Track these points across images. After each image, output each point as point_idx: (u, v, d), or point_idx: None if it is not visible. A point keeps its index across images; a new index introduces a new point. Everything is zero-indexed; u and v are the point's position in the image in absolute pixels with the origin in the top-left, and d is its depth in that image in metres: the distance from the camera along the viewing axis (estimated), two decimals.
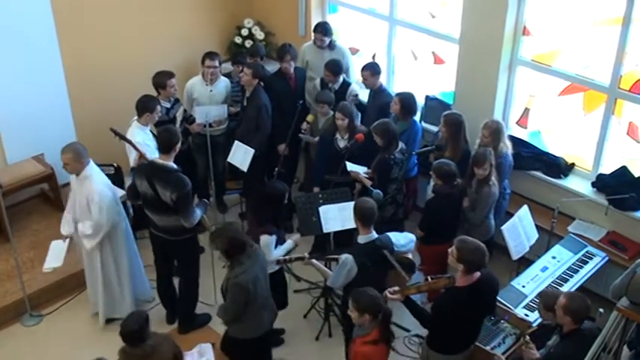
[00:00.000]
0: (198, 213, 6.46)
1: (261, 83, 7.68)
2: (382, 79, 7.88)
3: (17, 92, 7.78)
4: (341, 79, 7.90)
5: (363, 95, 8.03)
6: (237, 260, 5.48)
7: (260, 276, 5.61)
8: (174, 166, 6.35)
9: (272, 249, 6.11)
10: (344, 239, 6.43)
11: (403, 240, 5.93)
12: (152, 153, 6.88)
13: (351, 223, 6.22)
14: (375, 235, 5.70)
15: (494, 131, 6.73)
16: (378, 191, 6.62)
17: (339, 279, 5.67)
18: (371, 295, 5.01)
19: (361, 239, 5.69)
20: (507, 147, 6.87)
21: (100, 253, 6.64)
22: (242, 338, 5.74)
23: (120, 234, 6.70)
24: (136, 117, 7.07)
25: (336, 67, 7.81)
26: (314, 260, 5.96)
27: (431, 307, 5.38)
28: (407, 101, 7.24)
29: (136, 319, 5.15)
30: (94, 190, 6.39)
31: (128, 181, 7.69)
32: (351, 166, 6.94)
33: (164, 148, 6.32)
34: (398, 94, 7.37)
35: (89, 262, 6.80)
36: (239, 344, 5.79)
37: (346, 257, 5.59)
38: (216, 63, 7.91)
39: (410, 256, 6.06)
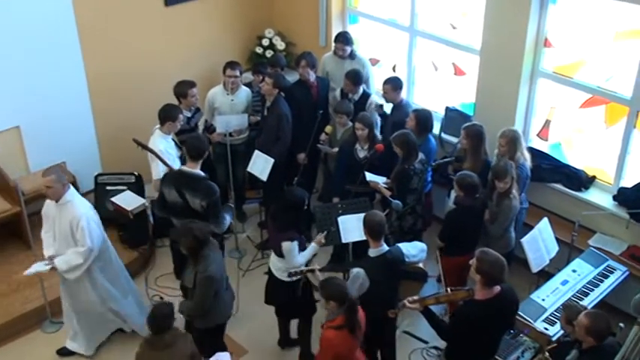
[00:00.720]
0: (227, 219, 6.53)
1: (282, 93, 7.70)
2: (403, 95, 7.84)
3: (40, 101, 7.87)
4: (361, 89, 7.91)
5: (386, 108, 7.99)
6: (201, 255, 5.65)
7: (220, 261, 5.93)
8: (202, 173, 6.42)
9: (295, 254, 6.11)
10: (363, 249, 6.41)
11: (414, 250, 5.92)
12: (173, 161, 6.93)
13: None
14: (385, 247, 5.69)
15: (511, 140, 6.70)
16: (398, 202, 6.61)
17: (351, 292, 5.64)
18: (337, 284, 5.24)
19: (372, 252, 5.68)
20: (525, 158, 6.83)
21: (89, 280, 6.39)
22: (213, 327, 5.94)
23: (111, 254, 6.58)
24: (158, 125, 7.12)
25: (356, 77, 7.81)
26: (320, 279, 5.95)
27: (449, 319, 5.36)
28: (423, 118, 7.19)
29: (163, 306, 5.33)
30: (79, 215, 6.06)
31: (148, 190, 7.76)
32: (370, 177, 6.94)
33: (192, 155, 6.37)
34: (414, 111, 7.33)
35: (76, 292, 6.51)
36: (210, 333, 5.96)
37: (358, 271, 5.57)
38: (237, 72, 7.95)
39: (422, 265, 6.06)
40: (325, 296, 5.20)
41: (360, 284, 5.55)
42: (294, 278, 6.09)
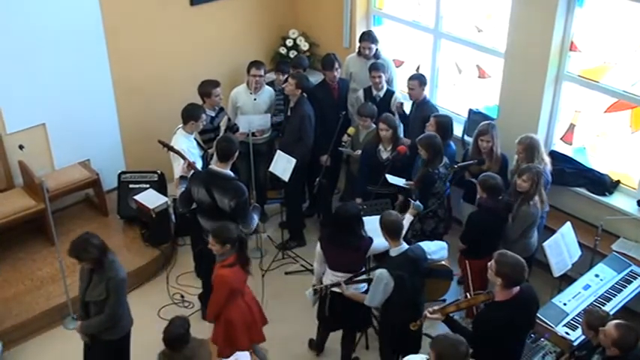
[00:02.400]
0: (255, 218, 6.54)
1: (304, 94, 7.71)
2: (426, 92, 7.83)
3: (66, 99, 7.95)
4: (385, 84, 7.91)
5: (405, 107, 7.98)
6: (107, 261, 5.55)
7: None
8: (232, 174, 6.45)
9: (381, 246, 5.98)
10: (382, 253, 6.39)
11: (435, 248, 5.85)
12: (196, 160, 6.96)
13: None
14: (405, 246, 5.63)
15: (528, 147, 6.67)
16: (419, 203, 6.57)
17: (376, 296, 5.59)
18: (229, 228, 5.76)
19: (393, 252, 5.61)
20: (546, 163, 6.79)
21: None
22: (125, 334, 5.87)
23: None
24: (181, 125, 7.14)
25: (380, 66, 7.83)
26: (348, 290, 5.92)
27: (472, 324, 5.32)
28: (444, 125, 7.13)
29: (179, 324, 5.27)
30: None
31: (170, 189, 7.79)
32: (391, 179, 6.92)
33: (222, 156, 6.38)
34: (435, 116, 7.23)
35: None
36: (122, 342, 5.87)
37: (380, 272, 5.50)
38: (262, 72, 7.97)
39: (445, 263, 6.02)
40: (221, 242, 5.65)
41: (385, 285, 5.49)
42: (321, 293, 6.09)
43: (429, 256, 5.74)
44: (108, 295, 5.52)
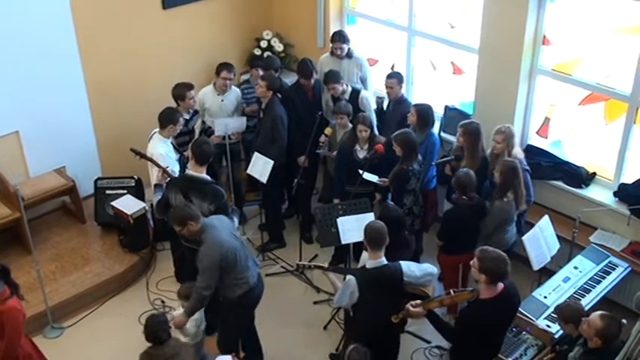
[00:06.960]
0: (235, 221, 6.49)
1: (278, 95, 7.69)
2: (402, 90, 7.82)
3: (39, 105, 7.85)
4: (347, 87, 7.89)
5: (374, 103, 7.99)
6: None
7: None
8: (209, 177, 6.40)
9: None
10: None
11: (418, 271, 5.49)
12: (173, 165, 6.91)
13: None
14: (384, 261, 5.40)
15: (508, 136, 6.70)
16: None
17: (342, 299, 5.47)
18: None
19: (369, 264, 5.41)
20: (521, 153, 6.85)
21: None
22: None
23: None
24: (156, 130, 7.09)
25: (334, 76, 7.78)
26: (331, 275, 5.79)
27: (455, 321, 5.32)
28: (424, 113, 7.19)
29: (157, 316, 5.32)
30: None
31: (148, 194, 7.74)
32: (366, 175, 6.92)
33: (199, 160, 6.33)
34: (415, 105, 7.31)
35: None
36: None
37: (349, 279, 5.37)
38: (232, 75, 8.01)
39: (430, 289, 5.74)
40: None
41: (351, 292, 5.37)
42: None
43: (406, 278, 5.45)
44: None
